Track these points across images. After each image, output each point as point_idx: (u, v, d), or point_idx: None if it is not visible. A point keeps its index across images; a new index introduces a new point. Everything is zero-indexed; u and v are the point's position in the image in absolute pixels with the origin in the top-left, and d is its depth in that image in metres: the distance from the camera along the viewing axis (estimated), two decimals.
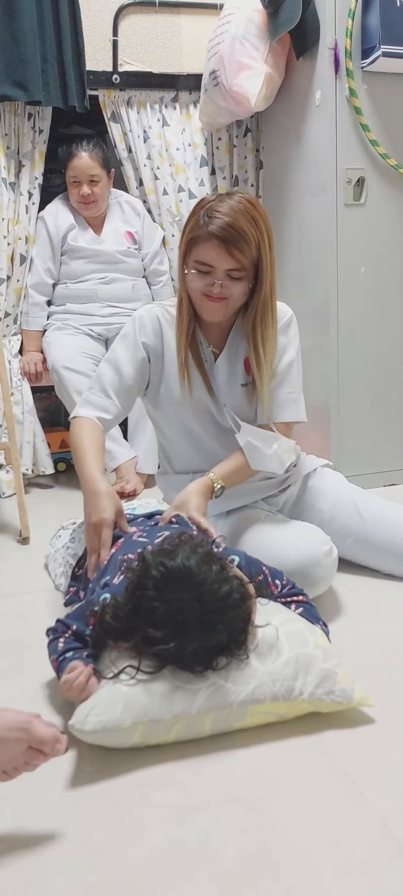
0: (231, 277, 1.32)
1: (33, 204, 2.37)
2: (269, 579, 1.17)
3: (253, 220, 1.30)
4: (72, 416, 1.42)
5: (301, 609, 1.15)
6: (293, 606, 1.15)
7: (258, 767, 0.96)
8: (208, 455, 1.46)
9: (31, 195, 2.37)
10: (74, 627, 1.09)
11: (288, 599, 1.17)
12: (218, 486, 1.33)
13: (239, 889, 0.77)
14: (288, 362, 1.44)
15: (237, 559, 1.14)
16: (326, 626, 1.17)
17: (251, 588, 1.05)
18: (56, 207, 2.40)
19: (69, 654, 1.05)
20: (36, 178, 2.37)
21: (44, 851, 0.82)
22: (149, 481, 2.26)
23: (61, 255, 2.39)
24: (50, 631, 1.11)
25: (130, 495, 2.16)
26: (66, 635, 1.09)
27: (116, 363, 1.43)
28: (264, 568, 1.18)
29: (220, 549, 1.09)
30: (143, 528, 1.26)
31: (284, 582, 1.19)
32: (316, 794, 0.90)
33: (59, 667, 1.06)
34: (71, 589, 1.33)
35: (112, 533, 1.22)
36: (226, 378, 1.44)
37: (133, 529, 1.25)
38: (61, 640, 1.09)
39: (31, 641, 1.27)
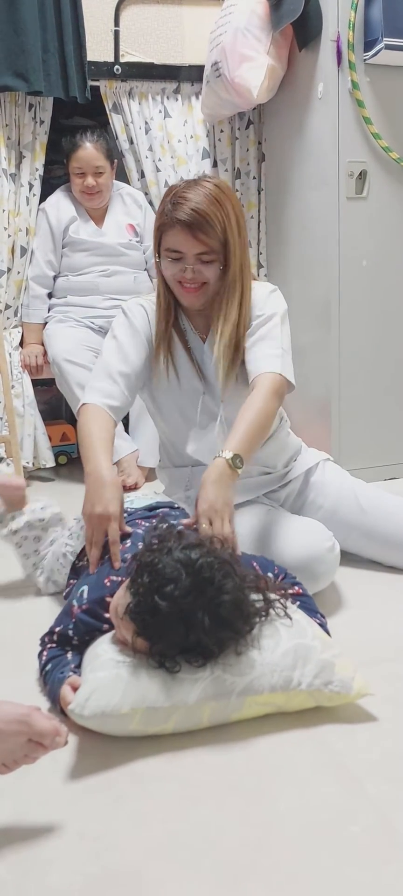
0: (202, 261, 1.32)
1: (34, 195, 2.36)
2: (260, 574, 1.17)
3: (218, 202, 1.30)
4: (79, 404, 1.37)
5: (298, 603, 1.16)
6: (290, 600, 1.15)
7: (258, 760, 0.96)
8: (207, 446, 1.45)
9: (31, 186, 2.36)
10: (57, 630, 1.13)
11: (284, 592, 1.17)
12: (230, 456, 1.20)
13: (240, 880, 0.77)
14: (273, 324, 1.39)
15: None
16: (324, 617, 1.18)
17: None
18: (57, 199, 2.39)
19: (48, 667, 1.10)
20: (37, 170, 2.36)
21: (43, 843, 0.82)
22: (150, 475, 2.26)
23: (62, 248, 2.38)
24: (40, 641, 1.15)
25: (131, 489, 2.16)
26: (49, 645, 1.13)
27: (120, 348, 1.40)
28: (254, 563, 1.17)
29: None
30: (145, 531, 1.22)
31: (276, 571, 1.19)
32: (315, 787, 0.90)
33: (44, 680, 1.11)
34: (71, 581, 1.33)
35: (118, 527, 1.18)
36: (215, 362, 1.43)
37: (129, 530, 1.22)
38: (45, 651, 1.13)
39: (31, 636, 1.27)
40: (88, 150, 2.27)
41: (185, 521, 1.19)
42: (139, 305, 1.45)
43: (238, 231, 1.34)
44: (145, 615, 0.96)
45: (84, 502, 1.22)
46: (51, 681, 1.08)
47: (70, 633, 1.11)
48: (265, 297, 1.42)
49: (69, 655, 1.11)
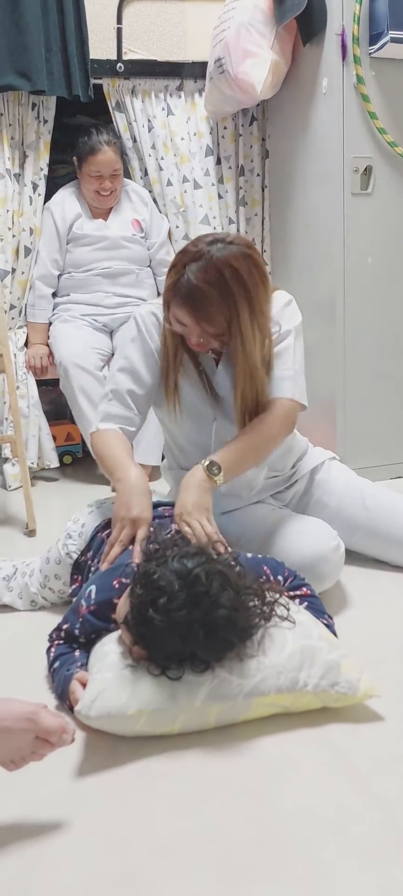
0: (207, 335, 1.28)
1: (39, 195, 2.36)
2: (271, 578, 1.16)
3: (230, 294, 1.21)
4: (92, 430, 1.38)
5: (305, 604, 1.15)
6: (297, 601, 1.15)
7: (264, 759, 0.96)
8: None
9: (36, 186, 2.36)
10: (64, 627, 1.13)
11: (292, 594, 1.16)
12: (207, 463, 1.23)
13: (246, 879, 0.77)
14: (287, 344, 1.38)
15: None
16: (331, 618, 1.17)
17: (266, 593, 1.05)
18: (62, 197, 2.38)
19: (56, 664, 1.10)
20: (41, 169, 2.35)
21: (50, 840, 0.83)
22: (152, 473, 2.26)
23: (67, 244, 2.37)
24: (48, 638, 1.16)
25: None
26: (57, 642, 1.14)
27: (132, 369, 1.39)
28: (265, 567, 1.17)
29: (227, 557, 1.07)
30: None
31: (286, 574, 1.19)
32: (322, 786, 0.90)
33: (52, 677, 1.11)
34: (75, 577, 1.32)
35: (147, 532, 1.19)
36: (230, 381, 1.40)
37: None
38: (53, 648, 1.14)
39: (37, 633, 1.28)
40: (108, 154, 2.27)
41: (175, 525, 1.19)
42: (152, 315, 1.41)
43: (249, 318, 1.24)
44: (140, 627, 0.96)
45: (117, 506, 1.23)
46: (58, 678, 1.08)
47: (76, 632, 1.11)
48: (279, 309, 1.38)
49: (76, 653, 1.11)
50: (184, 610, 0.93)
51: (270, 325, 1.35)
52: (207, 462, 1.24)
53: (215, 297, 1.21)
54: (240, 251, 1.22)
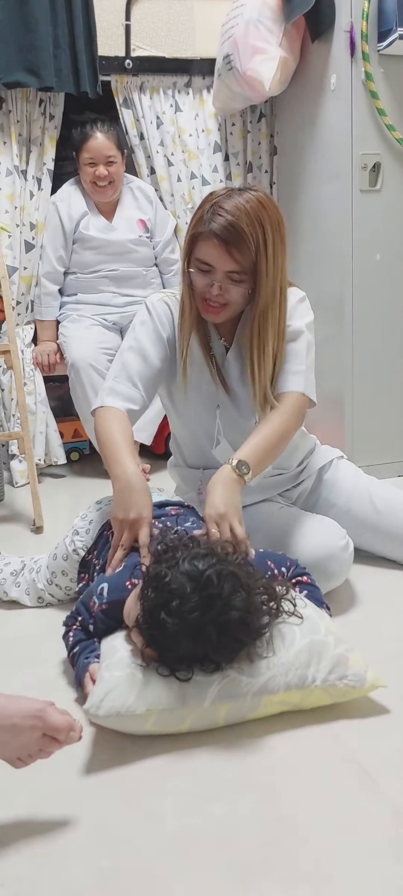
0: (231, 280, 1.27)
1: (41, 190, 2.36)
2: (276, 571, 1.16)
3: (259, 221, 1.24)
4: (97, 405, 1.35)
5: (305, 592, 1.15)
6: (297, 588, 1.15)
7: (271, 756, 0.96)
8: (222, 450, 1.44)
9: (39, 181, 2.36)
10: (80, 619, 1.13)
11: (293, 581, 1.17)
12: (235, 462, 1.22)
13: (253, 876, 0.77)
14: (300, 342, 1.37)
15: None
16: (329, 609, 1.17)
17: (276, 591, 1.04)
18: (68, 193, 2.37)
19: (76, 649, 1.10)
20: (44, 164, 2.35)
21: (58, 837, 0.83)
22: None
23: (73, 243, 2.37)
24: (64, 624, 1.16)
25: None
26: (75, 627, 1.14)
27: (142, 351, 1.37)
28: (269, 562, 1.17)
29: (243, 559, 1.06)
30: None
31: (288, 564, 1.19)
32: (329, 783, 0.90)
33: (72, 662, 1.11)
34: (82, 575, 1.33)
35: (149, 531, 1.18)
36: (239, 371, 1.41)
37: (155, 532, 1.20)
38: (71, 633, 1.14)
39: (45, 631, 1.28)
40: (100, 139, 2.26)
41: (197, 532, 1.17)
42: (163, 302, 1.41)
43: (273, 257, 1.27)
44: (152, 630, 0.96)
45: (115, 507, 1.22)
46: (78, 664, 1.09)
47: (90, 627, 1.12)
48: (293, 306, 1.38)
49: (96, 641, 1.11)
50: (196, 612, 0.93)
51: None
52: (235, 461, 1.22)
53: (245, 220, 1.23)
54: (268, 197, 1.30)
